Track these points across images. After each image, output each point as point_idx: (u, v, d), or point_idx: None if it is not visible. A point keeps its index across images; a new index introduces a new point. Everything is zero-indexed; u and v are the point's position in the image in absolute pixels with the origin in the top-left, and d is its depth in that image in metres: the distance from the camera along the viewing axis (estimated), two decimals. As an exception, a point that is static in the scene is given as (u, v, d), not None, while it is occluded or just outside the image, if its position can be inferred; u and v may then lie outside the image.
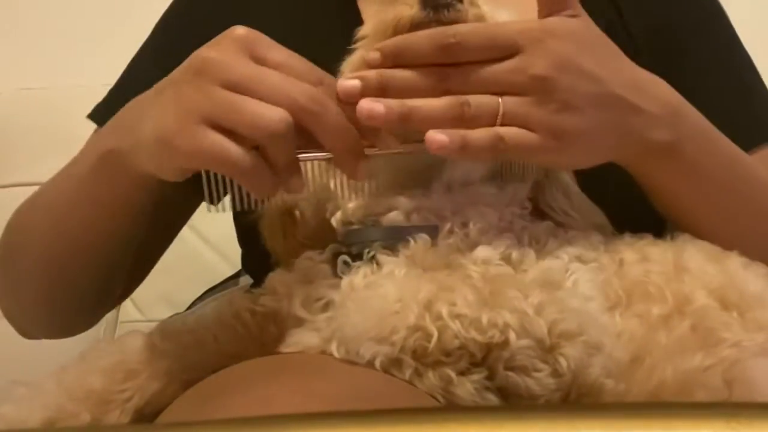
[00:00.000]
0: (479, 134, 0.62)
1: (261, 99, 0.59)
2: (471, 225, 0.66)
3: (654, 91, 0.69)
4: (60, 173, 0.78)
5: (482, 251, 0.64)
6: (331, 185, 0.67)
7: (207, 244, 1.46)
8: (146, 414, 0.64)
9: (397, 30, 0.64)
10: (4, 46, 1.64)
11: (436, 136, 0.61)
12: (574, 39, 0.65)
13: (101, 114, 0.90)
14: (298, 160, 0.62)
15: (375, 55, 0.62)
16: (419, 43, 0.62)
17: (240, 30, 0.63)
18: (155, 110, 0.63)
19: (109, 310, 0.88)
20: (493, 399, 0.56)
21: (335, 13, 0.90)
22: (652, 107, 0.67)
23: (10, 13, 1.68)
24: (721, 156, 0.73)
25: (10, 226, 0.82)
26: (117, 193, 0.71)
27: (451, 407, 0.54)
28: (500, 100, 0.62)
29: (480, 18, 0.64)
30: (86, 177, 0.72)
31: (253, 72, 0.60)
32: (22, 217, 0.81)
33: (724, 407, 0.40)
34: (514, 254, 0.64)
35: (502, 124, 0.62)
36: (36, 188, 0.80)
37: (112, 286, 0.83)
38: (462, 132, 0.61)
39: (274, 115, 0.58)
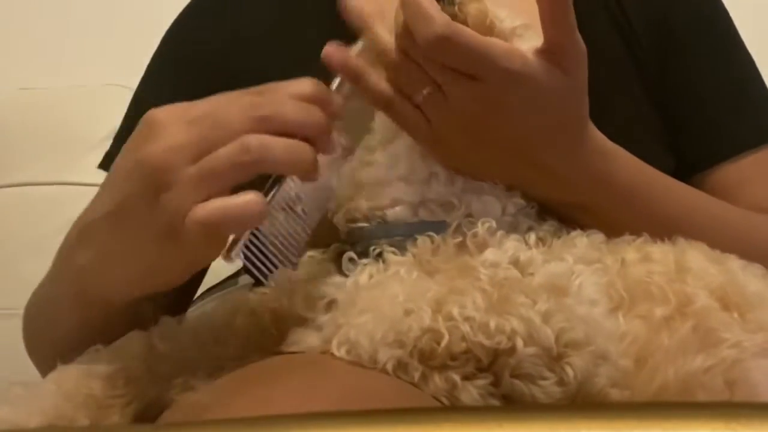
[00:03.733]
0: (375, 83, 0.66)
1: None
2: (479, 224, 0.66)
3: (586, 161, 0.70)
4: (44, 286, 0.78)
5: (491, 254, 0.63)
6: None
7: (207, 244, 1.46)
8: (146, 418, 0.64)
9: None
10: (4, 46, 1.65)
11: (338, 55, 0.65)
12: (533, 99, 0.65)
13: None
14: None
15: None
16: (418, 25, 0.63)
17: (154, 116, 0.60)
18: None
19: None
20: (497, 405, 0.55)
21: (327, 14, 0.90)
22: (570, 173, 0.69)
23: (10, 13, 1.68)
24: (647, 214, 0.73)
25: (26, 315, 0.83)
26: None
27: (451, 407, 0.54)
28: (426, 91, 0.65)
29: (482, 13, 0.64)
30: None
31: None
32: (27, 315, 0.83)
33: (723, 407, 0.40)
34: (522, 257, 0.63)
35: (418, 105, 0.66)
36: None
37: None
38: (366, 72, 0.66)
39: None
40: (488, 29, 0.65)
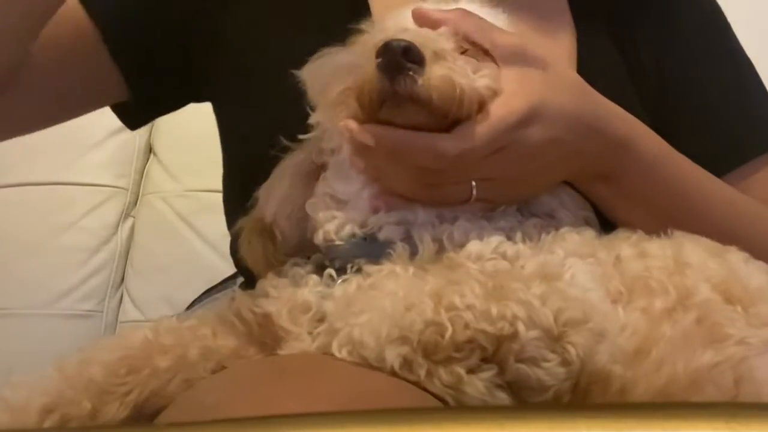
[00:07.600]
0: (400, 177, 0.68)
1: None
2: (454, 229, 0.66)
3: (607, 127, 0.72)
4: None
5: (474, 246, 0.64)
6: None
7: (206, 244, 1.46)
8: (146, 411, 0.64)
9: (365, 98, 0.64)
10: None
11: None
12: (546, 102, 0.67)
13: None
14: None
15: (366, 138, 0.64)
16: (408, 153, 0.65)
17: None
18: None
19: None
20: (503, 397, 0.55)
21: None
22: (597, 146, 0.71)
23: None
24: (665, 185, 0.75)
25: None
26: None
27: (452, 408, 0.54)
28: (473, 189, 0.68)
29: (446, 80, 0.63)
30: None
31: None
32: None
33: (723, 407, 0.40)
34: (509, 251, 0.64)
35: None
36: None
37: None
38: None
39: None
40: (457, 94, 0.64)
